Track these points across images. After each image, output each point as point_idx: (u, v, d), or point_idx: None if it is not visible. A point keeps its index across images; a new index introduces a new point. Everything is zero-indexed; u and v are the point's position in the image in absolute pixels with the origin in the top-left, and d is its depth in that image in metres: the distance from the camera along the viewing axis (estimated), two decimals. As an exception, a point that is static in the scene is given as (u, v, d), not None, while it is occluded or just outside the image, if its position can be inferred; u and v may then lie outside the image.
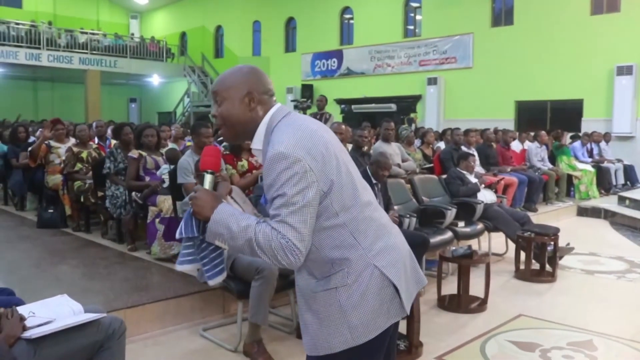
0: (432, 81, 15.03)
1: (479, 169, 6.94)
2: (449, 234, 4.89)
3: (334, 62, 17.68)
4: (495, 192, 6.31)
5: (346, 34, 17.70)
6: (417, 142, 8.29)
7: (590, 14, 12.46)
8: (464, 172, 5.88)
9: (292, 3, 18.69)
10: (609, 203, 8.56)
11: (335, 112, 16.28)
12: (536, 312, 4.11)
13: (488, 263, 4.28)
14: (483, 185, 5.99)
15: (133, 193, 5.01)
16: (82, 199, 5.78)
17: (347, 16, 17.61)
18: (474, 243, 5.23)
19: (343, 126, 5.74)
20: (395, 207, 4.74)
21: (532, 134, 9.29)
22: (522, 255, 5.09)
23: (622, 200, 8.52)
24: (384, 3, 16.32)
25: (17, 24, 18.40)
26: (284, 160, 1.45)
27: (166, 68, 21.56)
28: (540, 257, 5.11)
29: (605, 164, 10.00)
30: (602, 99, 12.23)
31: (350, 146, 5.90)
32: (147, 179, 5.06)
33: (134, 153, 5.14)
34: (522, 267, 5.08)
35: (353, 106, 16.92)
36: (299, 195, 1.44)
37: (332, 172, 1.51)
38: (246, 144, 4.89)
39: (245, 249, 1.48)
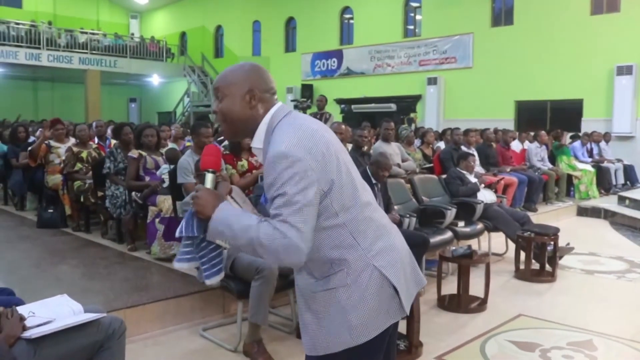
0: (432, 81, 15.03)
1: (478, 169, 6.94)
2: (448, 234, 4.89)
3: (334, 62, 17.68)
4: (495, 192, 6.31)
5: (346, 33, 17.70)
6: (417, 142, 8.29)
7: (590, 14, 12.45)
8: (464, 172, 5.88)
9: (292, 3, 18.69)
10: (609, 203, 8.56)
11: (335, 112, 16.28)
12: (536, 312, 4.11)
13: (488, 263, 4.28)
14: (483, 185, 6.00)
15: (133, 193, 5.02)
16: (82, 199, 5.78)
17: (347, 16, 17.61)
18: (473, 243, 5.23)
19: (343, 126, 5.74)
20: (395, 207, 4.74)
21: (532, 133, 9.29)
22: (522, 255, 5.09)
23: (622, 200, 8.52)
24: (384, 3, 16.32)
25: (17, 24, 18.40)
26: (284, 160, 1.45)
27: (166, 68, 21.56)
28: (540, 257, 5.11)
29: (605, 164, 10.00)
30: (602, 99, 12.23)
31: (350, 146, 5.90)
32: (147, 178, 5.06)
33: (134, 153, 5.14)
34: (522, 267, 5.08)
35: (353, 106, 16.92)
36: (300, 194, 1.43)
37: (333, 171, 1.51)
38: (246, 144, 4.89)
39: (247, 248, 1.48)
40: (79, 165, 5.97)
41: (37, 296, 2.55)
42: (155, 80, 22.37)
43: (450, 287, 4.40)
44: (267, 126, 1.59)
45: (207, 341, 3.46)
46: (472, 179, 5.89)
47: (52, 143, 6.40)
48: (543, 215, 7.40)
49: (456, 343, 3.51)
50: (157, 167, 5.13)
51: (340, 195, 1.53)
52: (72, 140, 6.47)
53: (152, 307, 3.56)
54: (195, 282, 3.74)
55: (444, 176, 6.05)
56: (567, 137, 10.56)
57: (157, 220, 4.64)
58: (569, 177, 8.94)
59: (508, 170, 7.60)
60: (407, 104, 15.77)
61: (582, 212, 8.43)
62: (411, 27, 16.19)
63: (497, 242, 5.84)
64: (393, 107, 15.85)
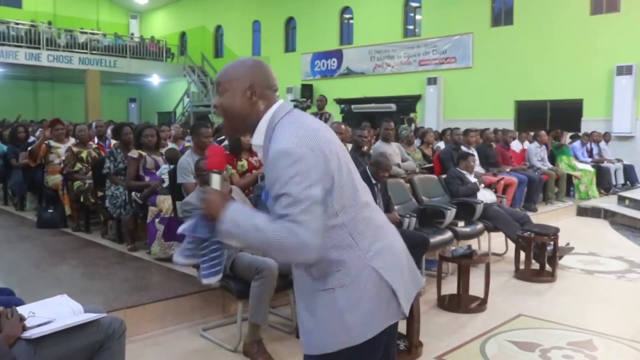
0: (432, 81, 15.02)
1: (478, 168, 6.94)
2: (448, 234, 4.89)
3: (334, 62, 17.68)
4: (495, 192, 6.31)
5: (346, 34, 17.70)
6: (417, 142, 8.29)
7: (590, 14, 12.45)
8: (464, 172, 5.88)
9: (292, 3, 18.68)
10: (609, 203, 8.56)
11: (335, 112, 16.27)
12: (536, 312, 4.11)
13: (488, 263, 4.28)
14: (483, 185, 6.00)
15: (133, 193, 5.02)
16: (82, 199, 5.78)
17: (347, 16, 17.61)
18: (473, 243, 5.23)
19: (343, 126, 5.74)
20: (395, 207, 4.74)
21: (532, 133, 9.29)
22: (522, 255, 5.09)
23: (621, 200, 8.52)
24: (384, 3, 16.32)
25: (17, 24, 18.40)
26: (287, 157, 1.45)
27: (166, 68, 21.56)
28: (540, 257, 5.11)
29: (605, 164, 10.00)
30: (602, 99, 12.23)
31: (350, 146, 5.90)
32: (147, 179, 5.06)
33: (134, 153, 5.14)
34: (522, 267, 5.08)
35: (353, 106, 16.91)
36: (306, 192, 1.43)
37: (334, 171, 1.51)
38: (246, 144, 4.89)
39: (257, 248, 1.49)
40: (78, 165, 5.97)
41: (37, 296, 2.55)
42: (155, 80, 22.37)
43: (450, 287, 4.40)
44: (267, 123, 1.58)
45: (207, 341, 3.47)
46: (472, 179, 5.89)
47: (52, 143, 6.40)
48: (543, 215, 7.40)
49: (456, 343, 3.51)
50: (157, 167, 5.13)
51: (341, 195, 1.53)
52: (72, 140, 6.47)
53: (152, 307, 3.56)
54: (195, 282, 3.74)
55: (443, 176, 6.05)
56: (567, 137, 10.55)
57: (157, 220, 4.64)
58: (569, 177, 8.94)
59: (508, 170, 7.60)
60: (407, 104, 15.77)
61: (582, 212, 8.43)
62: (411, 27, 16.18)
63: (497, 242, 5.84)
64: (393, 107, 15.85)
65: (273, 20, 19.38)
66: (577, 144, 10.14)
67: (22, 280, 4.03)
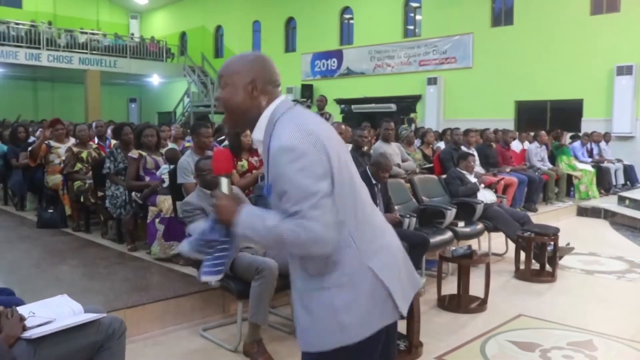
0: (432, 81, 15.02)
1: (478, 169, 6.94)
2: (449, 234, 4.89)
3: (334, 62, 17.68)
4: (495, 192, 6.31)
5: (346, 34, 17.69)
6: (417, 142, 8.28)
7: (590, 14, 12.45)
8: (464, 172, 5.88)
9: (292, 3, 18.68)
10: (609, 203, 8.56)
11: (335, 112, 16.27)
12: (536, 312, 4.11)
13: (488, 263, 4.28)
14: (483, 185, 6.00)
15: (133, 193, 5.01)
16: (82, 199, 5.78)
17: (347, 16, 17.60)
18: (474, 243, 5.23)
19: (343, 126, 5.75)
20: (396, 207, 4.74)
21: (532, 134, 9.29)
22: (522, 255, 5.09)
23: (622, 200, 8.52)
24: (384, 3, 16.32)
25: (17, 24, 18.39)
26: (291, 153, 1.45)
27: (166, 68, 21.56)
28: (540, 257, 5.11)
29: (605, 164, 10.00)
30: (602, 99, 12.23)
31: (350, 146, 5.90)
32: (147, 179, 5.06)
33: (134, 153, 5.14)
34: (522, 267, 5.08)
35: (353, 106, 16.91)
36: (314, 186, 1.44)
37: (335, 168, 1.51)
38: (246, 144, 4.89)
39: (273, 247, 1.52)
40: (79, 166, 5.97)
41: (37, 296, 2.55)
42: (155, 80, 22.37)
43: (450, 287, 4.40)
44: (268, 119, 1.58)
45: (207, 341, 3.47)
46: (472, 179, 5.89)
47: (52, 143, 6.40)
48: (543, 215, 7.40)
49: (456, 343, 3.51)
50: (157, 167, 5.13)
51: (342, 193, 1.53)
52: (72, 140, 6.47)
53: (152, 307, 3.56)
54: (195, 282, 3.74)
55: (444, 176, 6.05)
56: (567, 137, 10.56)
57: (157, 220, 4.64)
58: (569, 177, 8.94)
59: (508, 170, 7.60)
60: (407, 104, 15.77)
61: (582, 212, 8.43)
62: (411, 27, 16.18)
63: (497, 242, 5.84)
64: (393, 107, 15.84)
65: (273, 20, 19.39)
66: (577, 144, 10.13)
67: (22, 280, 4.03)
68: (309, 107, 9.88)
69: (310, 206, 1.43)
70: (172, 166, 4.76)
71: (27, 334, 2.09)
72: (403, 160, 6.59)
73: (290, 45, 19.26)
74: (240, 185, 4.37)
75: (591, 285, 4.92)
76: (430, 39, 15.28)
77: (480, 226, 5.31)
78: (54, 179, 6.18)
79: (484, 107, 13.78)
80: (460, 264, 4.21)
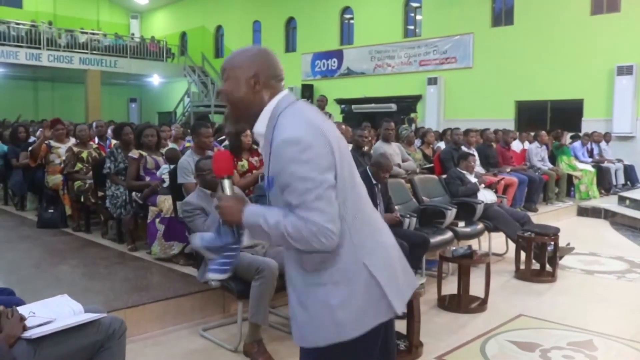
0: (432, 81, 15.02)
1: (478, 169, 6.94)
2: (449, 234, 4.89)
3: (334, 62, 17.68)
4: (496, 192, 6.31)
5: (346, 34, 17.70)
6: (417, 142, 8.28)
7: (590, 14, 12.45)
8: (464, 172, 5.88)
9: (292, 3, 18.68)
10: (609, 203, 8.56)
11: (335, 112, 16.28)
12: (536, 312, 4.11)
13: (488, 263, 4.28)
14: (483, 185, 5.99)
15: (133, 193, 5.01)
16: (82, 199, 5.78)
17: (347, 16, 17.61)
18: (474, 243, 5.23)
19: (343, 126, 5.75)
20: (396, 207, 4.74)
21: (532, 134, 9.29)
22: (522, 255, 5.09)
23: (622, 200, 8.52)
24: (384, 3, 16.32)
25: (18, 24, 18.40)
26: (296, 145, 1.45)
27: (166, 68, 21.56)
28: (541, 257, 5.11)
29: (606, 164, 9.99)
30: (602, 99, 12.22)
31: (350, 146, 5.90)
32: (147, 179, 5.06)
33: (134, 153, 5.14)
34: (522, 267, 5.08)
35: (353, 106, 16.91)
36: (318, 178, 1.44)
37: (338, 162, 1.52)
38: (246, 144, 4.89)
39: (279, 243, 1.51)
40: (79, 165, 5.97)
41: (37, 296, 2.55)
42: (155, 80, 22.38)
43: (450, 287, 4.40)
44: (271, 113, 1.58)
45: (207, 341, 3.47)
46: (472, 179, 5.89)
47: (53, 143, 6.39)
48: (543, 216, 7.40)
49: (456, 343, 3.51)
50: (158, 167, 5.13)
51: (343, 188, 1.53)
52: (73, 140, 6.47)
53: (152, 307, 3.56)
54: (195, 282, 3.74)
55: (444, 176, 6.05)
56: (567, 137, 10.55)
57: (157, 220, 4.64)
58: (569, 177, 8.93)
59: (508, 170, 7.60)
60: (408, 104, 15.77)
61: (583, 212, 8.43)
62: (411, 27, 16.18)
63: (497, 242, 5.84)
64: (393, 107, 15.84)
65: (273, 20, 19.39)
66: (577, 144, 10.13)
67: (22, 280, 4.03)
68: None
69: (314, 197, 1.43)
70: (172, 166, 4.76)
71: (27, 334, 2.10)
72: (403, 160, 6.59)
73: (290, 45, 19.26)
74: (240, 185, 4.36)
75: (591, 285, 4.92)
76: (430, 39, 15.28)
77: (480, 226, 5.31)
78: (54, 179, 6.19)
79: (484, 107, 13.78)
80: (461, 264, 4.21)
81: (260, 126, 1.60)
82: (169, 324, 3.60)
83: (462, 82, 14.51)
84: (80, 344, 2.21)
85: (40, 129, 7.69)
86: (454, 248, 4.33)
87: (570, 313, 4.09)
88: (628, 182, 10.30)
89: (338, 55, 17.58)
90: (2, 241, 5.48)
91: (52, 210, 6.05)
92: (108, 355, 2.28)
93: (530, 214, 6.31)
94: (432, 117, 14.81)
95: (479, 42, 14.25)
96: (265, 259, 3.25)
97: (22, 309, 2.22)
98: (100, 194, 5.53)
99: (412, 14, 16.12)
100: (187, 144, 6.94)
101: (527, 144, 9.23)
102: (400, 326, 3.33)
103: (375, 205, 4.23)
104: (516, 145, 9.18)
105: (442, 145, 8.54)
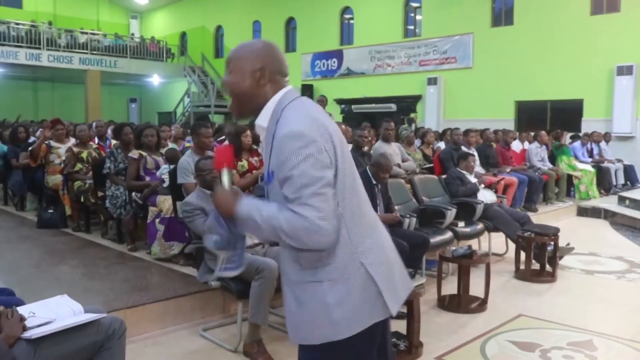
0: (432, 81, 15.02)
1: (478, 169, 6.94)
2: (449, 234, 4.89)
3: (334, 62, 17.68)
4: (495, 192, 6.31)
5: (346, 34, 17.70)
6: (417, 142, 8.28)
7: (590, 14, 12.45)
8: (464, 172, 5.88)
9: (292, 3, 18.68)
10: (609, 203, 8.56)
11: (335, 112, 16.28)
12: (536, 312, 4.11)
13: (488, 263, 4.28)
14: (483, 185, 5.99)
15: (133, 193, 5.01)
16: (82, 199, 5.78)
17: (347, 16, 17.61)
18: (474, 243, 5.23)
19: (343, 126, 5.75)
20: (396, 207, 4.74)
21: (532, 134, 9.29)
22: (522, 255, 5.09)
23: (622, 200, 8.52)
24: (384, 3, 16.32)
25: (17, 24, 18.40)
26: (300, 139, 1.45)
27: (166, 68, 21.56)
28: (540, 257, 5.11)
29: (605, 164, 9.99)
30: (602, 99, 12.23)
31: (350, 146, 5.90)
32: (147, 179, 5.06)
33: (134, 153, 5.14)
34: (522, 267, 5.08)
35: (353, 106, 16.91)
36: (317, 174, 1.43)
37: (339, 159, 1.52)
38: (246, 144, 4.89)
39: (272, 237, 1.49)
40: (79, 166, 5.97)
41: (37, 296, 2.55)
42: (155, 80, 22.38)
43: (450, 287, 4.40)
44: (274, 106, 1.58)
45: (207, 341, 3.47)
46: (472, 179, 5.89)
47: (52, 143, 6.39)
48: (543, 216, 7.40)
49: (456, 343, 3.51)
50: (157, 167, 5.13)
51: (343, 185, 1.53)
52: (72, 140, 6.47)
53: (152, 307, 3.56)
54: (195, 282, 3.74)
55: (444, 176, 6.05)
56: (567, 137, 10.55)
57: (157, 220, 4.64)
58: (569, 177, 8.93)
59: (508, 170, 7.60)
60: (407, 104, 15.77)
61: (582, 212, 8.43)
62: (411, 27, 16.19)
63: (497, 242, 5.84)
64: (393, 107, 15.85)
65: (273, 20, 19.39)
66: (577, 144, 10.13)
67: (22, 280, 4.03)
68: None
69: (311, 193, 1.42)
70: (172, 166, 4.76)
71: (27, 334, 2.10)
72: (403, 161, 6.59)
73: (290, 45, 19.25)
74: (240, 185, 4.36)
75: (591, 285, 4.92)
76: (430, 39, 15.29)
77: (480, 226, 5.31)
78: (54, 179, 6.18)
79: (484, 107, 13.79)
80: (461, 264, 4.21)
81: (263, 119, 1.60)
82: (168, 324, 3.60)
83: (462, 82, 14.51)
84: (80, 344, 2.21)
85: (40, 129, 7.69)
86: (454, 248, 4.33)
87: (570, 313, 4.09)
88: (628, 182, 10.30)
89: (338, 55, 17.59)
90: (2, 241, 5.48)
91: (52, 211, 6.05)
92: (108, 356, 2.28)
93: (530, 214, 6.32)
94: (432, 117, 14.82)
95: (479, 42, 14.25)
96: (265, 259, 3.25)
97: (22, 309, 2.22)
98: (100, 194, 5.53)
99: (412, 14, 16.12)
100: (187, 144, 6.94)
101: (527, 144, 9.23)
102: (401, 326, 3.34)
103: (375, 205, 4.23)
104: (516, 145, 9.18)
105: (442, 145, 8.53)
